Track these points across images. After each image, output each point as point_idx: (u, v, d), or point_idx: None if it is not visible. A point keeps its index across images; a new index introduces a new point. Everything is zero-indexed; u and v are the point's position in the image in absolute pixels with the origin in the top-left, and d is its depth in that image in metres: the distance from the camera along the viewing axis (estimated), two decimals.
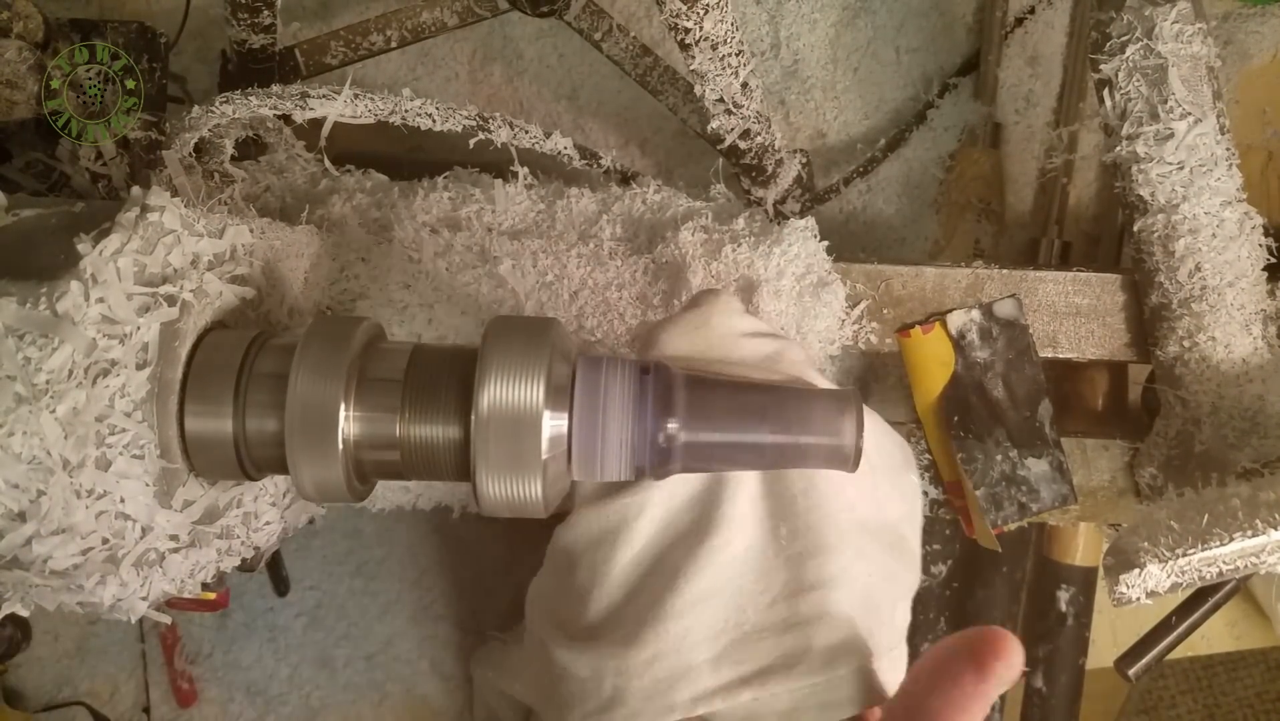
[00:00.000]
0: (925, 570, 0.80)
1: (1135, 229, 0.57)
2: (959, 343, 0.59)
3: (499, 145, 0.58)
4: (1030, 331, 0.60)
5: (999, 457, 0.59)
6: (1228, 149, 0.55)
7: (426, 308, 0.56)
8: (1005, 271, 0.60)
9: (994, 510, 0.59)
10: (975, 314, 0.60)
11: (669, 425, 0.37)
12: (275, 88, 0.54)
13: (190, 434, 0.38)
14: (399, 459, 0.39)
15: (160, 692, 0.85)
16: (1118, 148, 0.57)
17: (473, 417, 0.36)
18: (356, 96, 0.53)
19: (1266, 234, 0.57)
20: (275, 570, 0.83)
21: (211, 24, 0.72)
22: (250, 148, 0.63)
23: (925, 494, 0.62)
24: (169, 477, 0.38)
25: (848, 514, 0.42)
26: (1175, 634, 0.58)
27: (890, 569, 0.43)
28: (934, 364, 0.59)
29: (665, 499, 0.42)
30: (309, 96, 0.53)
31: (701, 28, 0.53)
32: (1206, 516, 0.48)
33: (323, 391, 0.37)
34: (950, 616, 0.81)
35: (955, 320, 0.59)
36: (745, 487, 0.42)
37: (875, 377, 0.74)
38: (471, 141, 0.57)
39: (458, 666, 0.85)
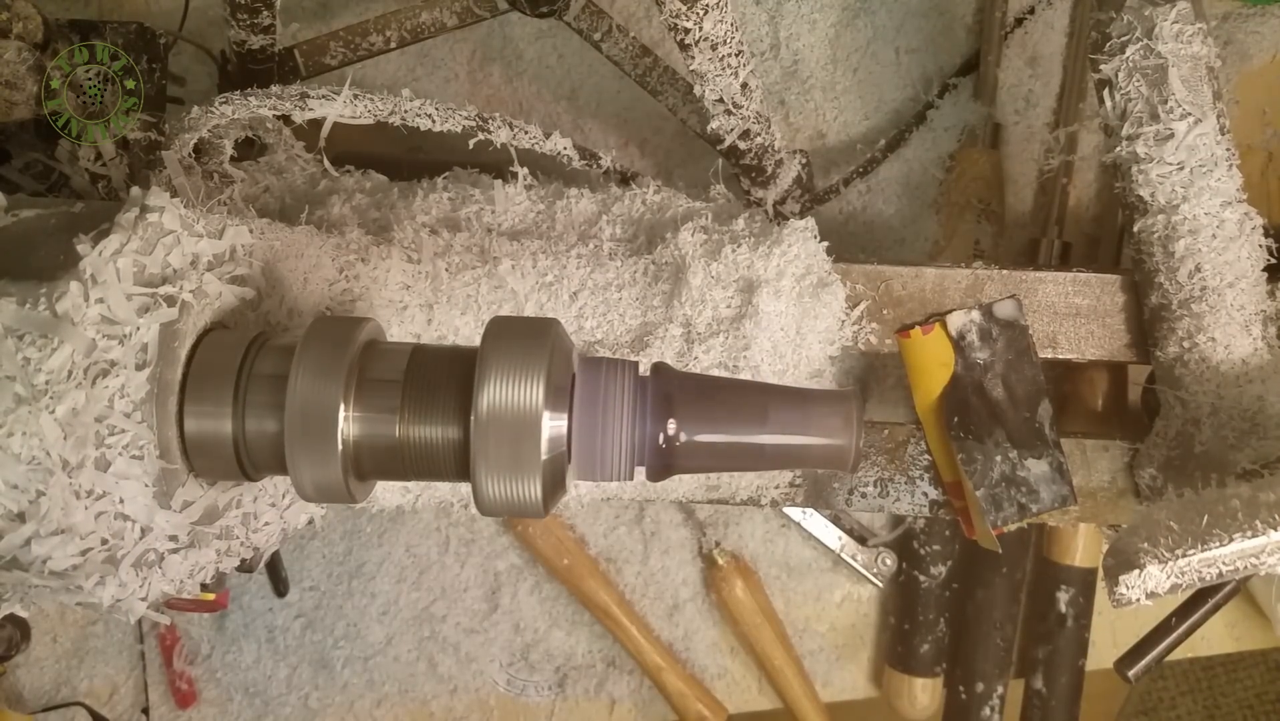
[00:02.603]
0: (925, 571, 0.80)
1: (1135, 229, 0.57)
2: (959, 343, 0.59)
3: (498, 146, 0.58)
4: (1030, 332, 0.60)
5: (999, 458, 0.59)
6: (1228, 149, 0.55)
7: (426, 308, 0.56)
8: (1005, 272, 0.60)
9: (994, 511, 0.59)
10: (975, 315, 0.59)
11: (669, 426, 0.37)
12: (274, 88, 0.53)
13: (190, 434, 0.38)
14: (398, 459, 0.38)
15: (159, 693, 0.85)
16: (1118, 148, 0.57)
17: (472, 418, 0.36)
18: (356, 97, 0.53)
19: (1266, 235, 0.56)
20: (274, 571, 0.83)
21: (211, 24, 0.72)
22: (249, 148, 0.63)
23: (925, 495, 0.62)
24: (168, 478, 0.38)
25: None
26: (1175, 635, 0.58)
27: None
28: (934, 365, 0.59)
29: None
30: (308, 97, 0.53)
31: (701, 28, 0.53)
32: (1206, 517, 0.48)
33: (322, 392, 0.37)
34: (950, 617, 0.81)
35: (955, 321, 0.59)
36: None
37: (875, 378, 0.74)
38: (471, 142, 0.57)
39: (457, 667, 0.85)
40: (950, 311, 0.60)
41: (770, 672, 0.82)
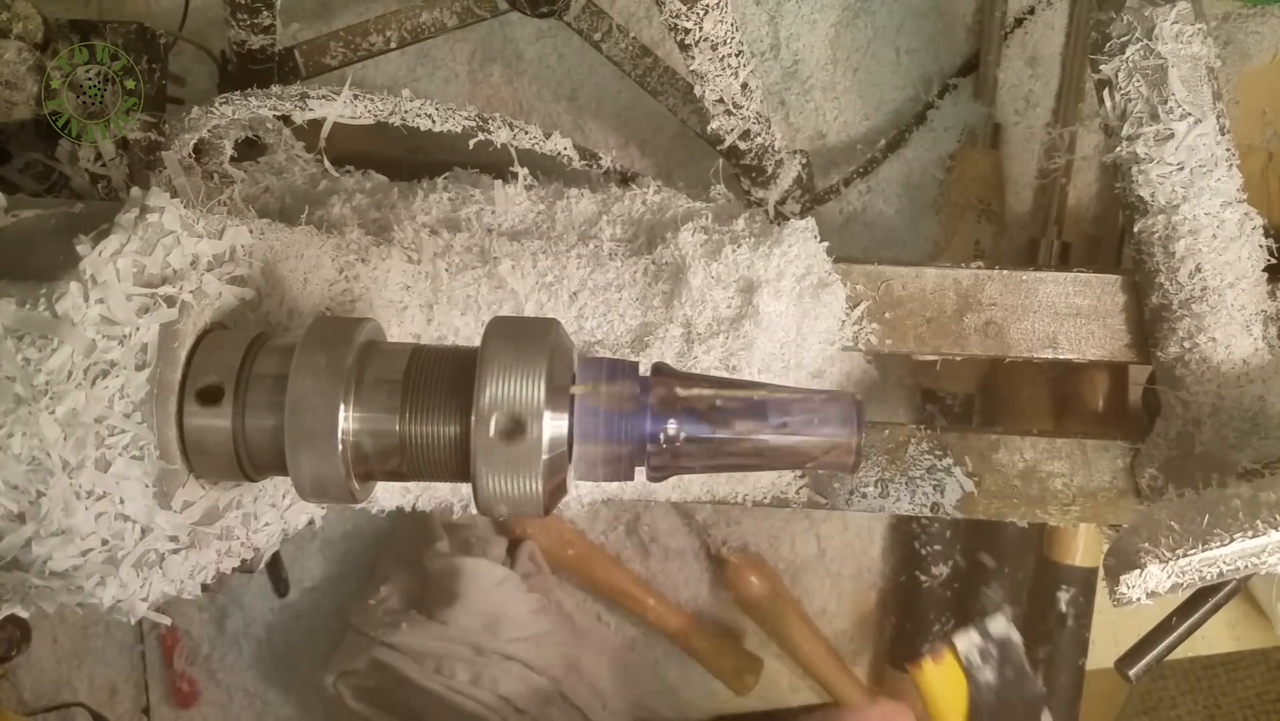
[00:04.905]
0: (925, 571, 0.80)
1: (1135, 230, 0.57)
2: (968, 669, 0.61)
3: (498, 146, 0.58)
4: (1022, 649, 0.62)
5: None
6: (1228, 149, 0.55)
7: (426, 308, 0.56)
8: (1005, 272, 0.60)
9: None
10: (973, 634, 0.63)
11: (669, 426, 0.37)
12: (275, 88, 0.53)
13: (190, 435, 0.38)
14: (399, 459, 0.38)
15: (160, 693, 0.85)
16: (1118, 148, 0.57)
17: (473, 417, 0.36)
18: (356, 97, 0.53)
19: (1267, 235, 0.56)
20: (275, 571, 0.83)
21: (211, 24, 0.72)
22: (250, 149, 0.63)
23: (926, 495, 0.62)
24: (168, 479, 0.38)
25: None
26: (1175, 634, 0.58)
27: None
28: (951, 695, 0.62)
29: None
30: (308, 97, 0.53)
31: (701, 28, 0.53)
32: (1207, 517, 0.48)
33: (322, 392, 0.37)
34: (950, 617, 0.81)
35: (962, 644, 0.62)
36: None
37: (875, 379, 0.74)
38: (471, 142, 0.57)
39: None
40: (954, 633, 0.62)
41: (801, 658, 0.82)
